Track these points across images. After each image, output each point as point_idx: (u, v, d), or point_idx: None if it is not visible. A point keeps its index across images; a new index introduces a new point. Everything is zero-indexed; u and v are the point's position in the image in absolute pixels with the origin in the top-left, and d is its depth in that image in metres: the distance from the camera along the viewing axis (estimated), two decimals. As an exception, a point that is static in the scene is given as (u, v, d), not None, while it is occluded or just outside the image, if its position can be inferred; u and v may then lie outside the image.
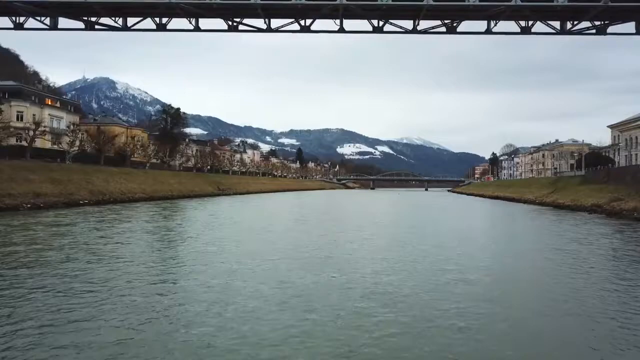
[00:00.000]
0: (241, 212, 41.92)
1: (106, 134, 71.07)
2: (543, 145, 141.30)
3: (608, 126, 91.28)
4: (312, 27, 19.70)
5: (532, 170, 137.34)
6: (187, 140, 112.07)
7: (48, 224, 25.36)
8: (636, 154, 74.54)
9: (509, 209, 54.30)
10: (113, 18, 21.52)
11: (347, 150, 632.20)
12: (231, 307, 10.15)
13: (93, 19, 21.42)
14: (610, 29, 17.63)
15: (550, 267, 15.47)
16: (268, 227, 28.00)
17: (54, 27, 21.03)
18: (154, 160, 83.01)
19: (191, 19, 21.41)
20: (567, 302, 11.14)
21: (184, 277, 13.11)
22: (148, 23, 21.72)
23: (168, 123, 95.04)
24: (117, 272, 13.41)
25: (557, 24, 17.11)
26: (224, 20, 21.07)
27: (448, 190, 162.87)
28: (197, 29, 21.25)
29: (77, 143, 62.78)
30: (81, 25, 21.31)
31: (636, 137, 75.53)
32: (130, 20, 21.94)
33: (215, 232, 24.16)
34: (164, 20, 21.95)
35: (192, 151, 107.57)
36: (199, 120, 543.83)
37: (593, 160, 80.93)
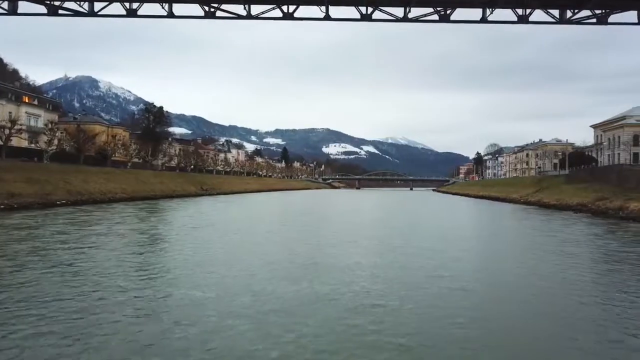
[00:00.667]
0: (222, 213, 40.64)
1: (86, 133, 69.37)
2: (527, 144, 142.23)
3: (591, 126, 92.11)
4: (296, 14, 18.52)
5: (516, 170, 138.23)
6: (170, 139, 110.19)
7: (11, 227, 23.59)
8: (618, 153, 75.18)
9: (495, 208, 53.99)
10: (78, 2, 20.00)
11: (333, 150, 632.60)
12: (200, 324, 8.93)
13: (56, 2, 19.83)
14: (611, 19, 16.93)
15: (550, 274, 14.42)
16: (248, 229, 26.65)
17: (13, 11, 19.23)
18: (135, 160, 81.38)
19: (164, 4, 19.94)
20: (571, 310, 10.26)
21: (147, 288, 11.61)
22: (117, 8, 20.27)
23: (151, 122, 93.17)
24: (70, 283, 11.88)
25: (556, 13, 16.34)
26: (200, 5, 19.72)
27: (433, 190, 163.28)
28: (170, 14, 19.61)
29: (56, 142, 61.13)
30: (43, 9, 19.66)
31: (619, 137, 76.17)
32: (97, 5, 20.39)
33: (190, 236, 22.46)
34: (135, 5, 20.51)
35: (175, 150, 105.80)
36: (183, 120, 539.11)
37: (576, 160, 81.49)
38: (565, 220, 34.67)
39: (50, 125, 61.35)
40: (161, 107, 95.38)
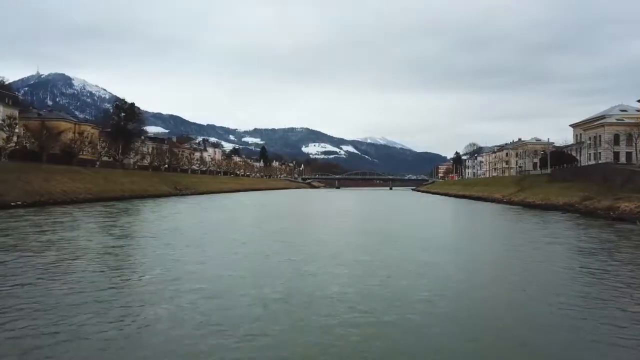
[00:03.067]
0: (189, 216, 37.50)
1: (50, 130, 65.47)
2: (506, 144, 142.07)
3: (570, 125, 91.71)
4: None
5: (495, 169, 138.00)
6: (142, 137, 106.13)
7: None
8: (600, 152, 74.63)
9: (480, 208, 52.22)
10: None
11: (312, 149, 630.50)
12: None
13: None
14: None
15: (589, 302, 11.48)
16: (210, 236, 23.25)
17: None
18: (105, 158, 77.72)
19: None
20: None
21: (44, 332, 8.35)
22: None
23: (122, 119, 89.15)
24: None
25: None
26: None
27: (412, 189, 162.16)
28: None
29: (15, 139, 57.41)
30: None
31: (600, 136, 75.64)
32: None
33: (129, 250, 18.06)
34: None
35: (148, 149, 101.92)
36: (159, 119, 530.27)
37: (557, 159, 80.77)
38: (560, 222, 32.48)
39: (8, 121, 57.55)
40: (132, 104, 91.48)
